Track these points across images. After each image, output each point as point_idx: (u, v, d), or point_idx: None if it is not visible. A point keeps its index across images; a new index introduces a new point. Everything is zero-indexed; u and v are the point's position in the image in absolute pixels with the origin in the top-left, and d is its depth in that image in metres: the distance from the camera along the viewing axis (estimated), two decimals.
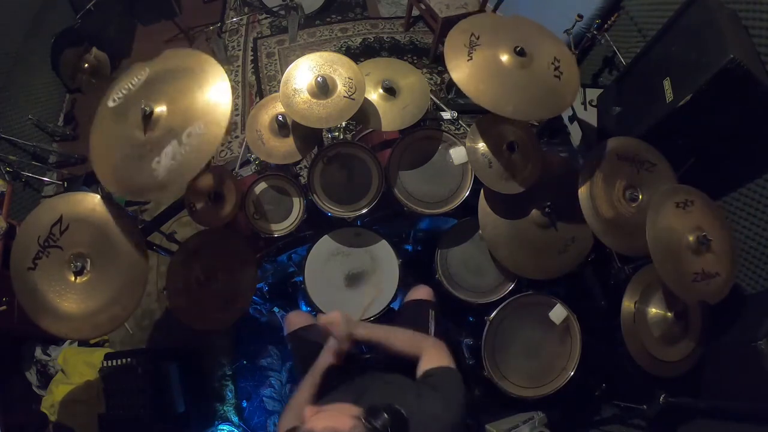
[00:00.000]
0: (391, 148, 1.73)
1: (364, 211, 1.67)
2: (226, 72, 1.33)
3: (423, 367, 1.15)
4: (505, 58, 1.51)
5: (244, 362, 2.22)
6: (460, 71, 1.48)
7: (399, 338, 1.27)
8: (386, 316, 1.66)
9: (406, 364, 1.31)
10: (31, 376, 2.20)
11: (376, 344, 1.29)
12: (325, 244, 1.72)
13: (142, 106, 1.29)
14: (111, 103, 1.39)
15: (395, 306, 1.74)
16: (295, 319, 1.63)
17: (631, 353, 1.52)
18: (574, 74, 1.55)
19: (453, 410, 1.01)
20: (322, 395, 1.26)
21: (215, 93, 1.30)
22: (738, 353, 1.55)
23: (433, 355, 1.17)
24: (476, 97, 1.45)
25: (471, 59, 1.49)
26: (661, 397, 1.62)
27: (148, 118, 1.30)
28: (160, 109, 1.31)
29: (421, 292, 1.62)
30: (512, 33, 1.56)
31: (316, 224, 1.79)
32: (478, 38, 1.52)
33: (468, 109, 2.42)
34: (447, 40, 1.52)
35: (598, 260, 1.78)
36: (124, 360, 1.90)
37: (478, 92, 1.46)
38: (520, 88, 1.49)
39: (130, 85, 1.39)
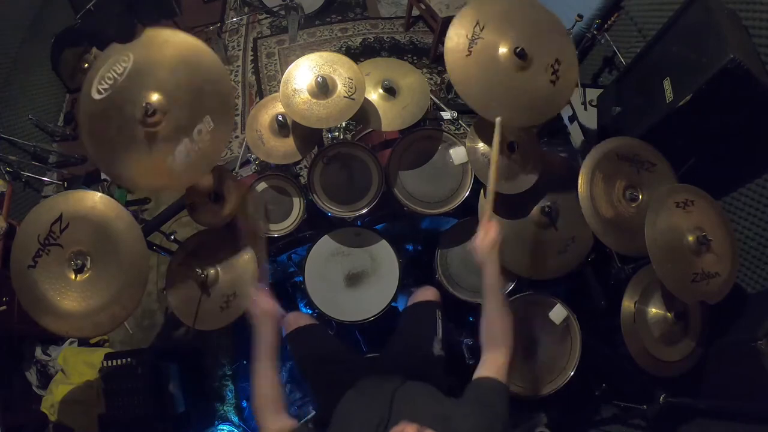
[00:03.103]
0: (391, 148, 1.73)
1: (364, 211, 1.67)
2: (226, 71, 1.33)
3: (480, 372, 1.11)
4: (504, 56, 1.49)
5: (244, 362, 2.22)
6: (457, 66, 1.48)
7: (500, 315, 1.20)
8: (386, 317, 1.66)
9: (416, 366, 1.29)
10: (31, 376, 2.19)
11: (486, 292, 1.24)
12: (325, 244, 1.72)
13: (144, 105, 1.28)
14: (96, 95, 1.32)
15: (400, 306, 1.74)
16: (294, 320, 1.63)
17: (631, 353, 1.52)
18: (571, 79, 1.53)
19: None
20: (332, 400, 1.24)
21: (214, 84, 1.30)
22: (738, 353, 1.55)
23: (498, 363, 1.12)
24: (466, 95, 1.46)
25: (470, 54, 1.48)
26: (661, 397, 1.63)
27: (150, 116, 1.30)
28: (161, 105, 1.30)
29: (428, 293, 1.61)
30: (519, 24, 1.52)
31: (316, 224, 1.79)
32: (482, 29, 1.49)
33: (468, 109, 2.41)
34: (450, 30, 1.49)
35: (598, 260, 1.78)
36: (124, 360, 1.90)
37: (470, 92, 1.47)
38: (511, 92, 1.48)
39: (115, 74, 1.32)
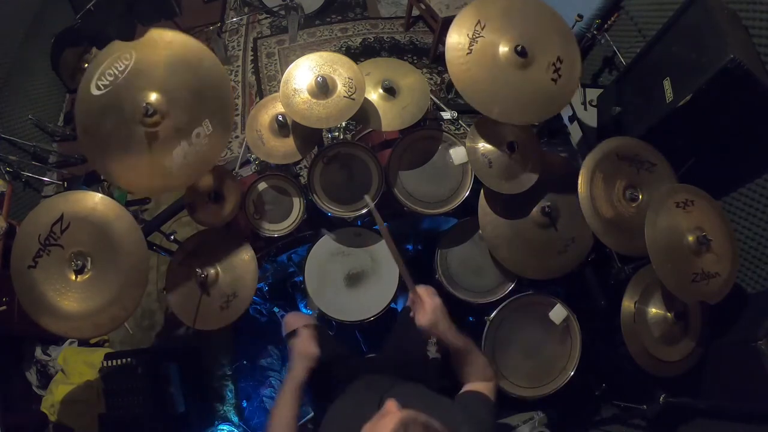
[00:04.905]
0: (391, 148, 1.73)
1: (364, 211, 1.67)
2: (226, 72, 1.33)
3: (469, 387, 1.12)
4: (504, 55, 1.49)
5: (244, 362, 2.22)
6: (458, 65, 1.48)
7: (474, 360, 1.16)
8: (386, 317, 1.66)
9: (416, 367, 1.29)
10: (31, 376, 2.19)
11: (452, 350, 1.17)
12: (325, 244, 1.72)
13: (144, 105, 1.28)
14: (96, 91, 1.31)
15: (398, 307, 1.74)
16: (294, 320, 1.63)
17: (631, 353, 1.52)
18: (573, 77, 1.53)
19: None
20: (328, 401, 1.24)
21: (215, 89, 1.30)
22: (738, 353, 1.55)
23: (487, 386, 1.12)
24: (466, 94, 1.46)
25: (470, 53, 1.48)
26: (661, 397, 1.62)
27: (150, 116, 1.30)
28: (161, 106, 1.31)
29: None
30: (520, 23, 1.52)
31: (316, 224, 1.79)
32: (483, 27, 1.49)
33: (468, 109, 2.41)
34: (451, 29, 1.49)
35: (598, 260, 1.78)
36: (124, 360, 1.90)
37: (471, 91, 1.47)
38: (512, 91, 1.48)
39: (116, 71, 1.31)
